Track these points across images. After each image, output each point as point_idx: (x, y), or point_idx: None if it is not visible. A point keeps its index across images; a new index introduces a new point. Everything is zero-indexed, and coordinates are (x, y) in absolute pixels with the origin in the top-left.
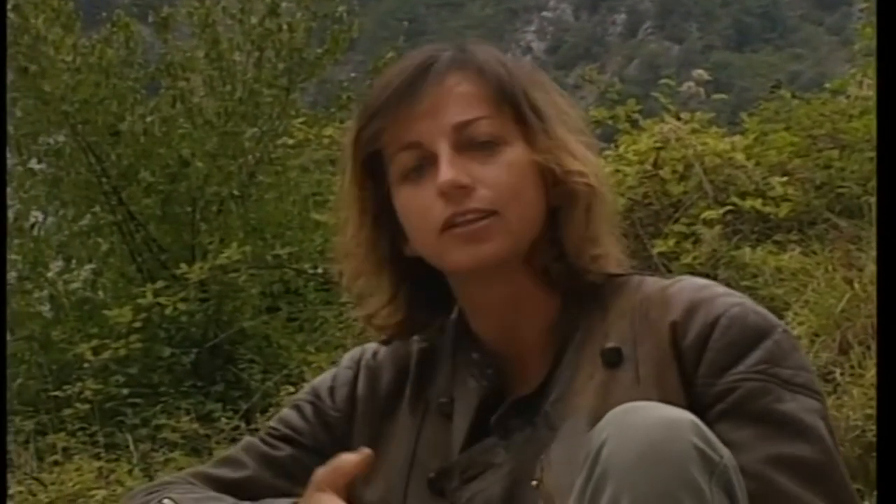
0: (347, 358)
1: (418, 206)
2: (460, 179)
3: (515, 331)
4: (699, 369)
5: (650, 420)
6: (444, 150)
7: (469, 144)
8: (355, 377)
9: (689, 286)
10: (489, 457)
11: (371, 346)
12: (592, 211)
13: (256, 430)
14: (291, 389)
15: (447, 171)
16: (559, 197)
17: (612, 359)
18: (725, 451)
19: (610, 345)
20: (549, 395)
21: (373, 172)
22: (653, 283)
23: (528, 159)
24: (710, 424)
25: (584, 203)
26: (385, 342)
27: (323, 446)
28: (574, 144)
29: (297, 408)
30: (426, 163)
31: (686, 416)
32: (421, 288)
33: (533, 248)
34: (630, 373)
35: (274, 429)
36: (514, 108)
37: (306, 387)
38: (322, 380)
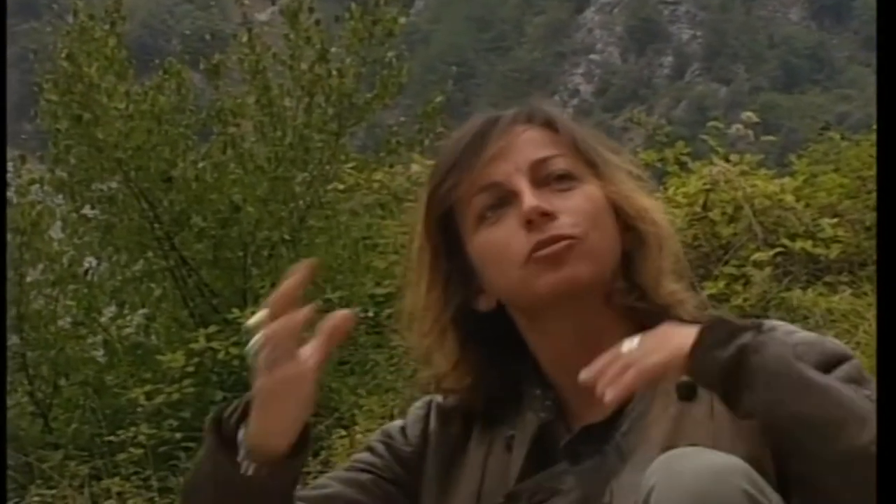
0: (419, 401)
1: (499, 242)
2: (544, 206)
3: (586, 365)
4: None
5: (699, 466)
6: (524, 184)
7: (545, 181)
8: (427, 415)
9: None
10: (557, 483)
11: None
12: (665, 250)
13: (308, 473)
14: (343, 433)
15: (531, 198)
16: (631, 238)
17: (687, 392)
18: (775, 497)
19: (684, 379)
20: (621, 425)
21: (446, 229)
22: None
23: (602, 195)
24: None
25: (656, 242)
26: (466, 403)
27: (399, 478)
28: (640, 190)
29: (370, 448)
30: (504, 202)
31: (735, 462)
32: (491, 351)
33: (610, 288)
34: (704, 406)
35: (350, 466)
36: (585, 153)
37: (377, 432)
38: (392, 423)
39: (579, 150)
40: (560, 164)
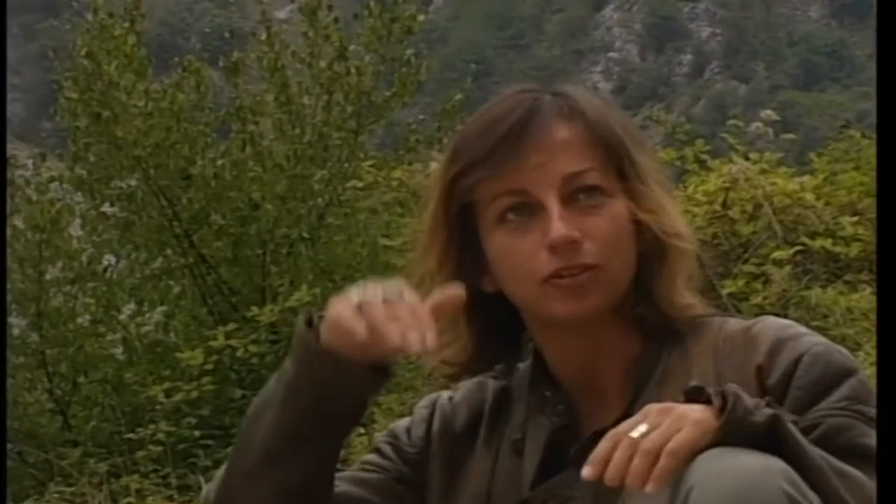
0: (423, 400)
1: (521, 254)
2: (572, 235)
3: (595, 370)
4: (783, 408)
5: (738, 467)
6: (553, 203)
7: (574, 195)
8: (431, 415)
9: (772, 326)
10: (568, 490)
11: (447, 392)
12: (685, 268)
13: None
14: (362, 431)
15: (559, 226)
16: (652, 248)
17: (696, 398)
18: (815, 498)
19: (693, 383)
20: None
21: (462, 217)
22: (735, 324)
23: (628, 213)
24: None
25: (679, 261)
26: (451, 378)
27: (406, 477)
28: (671, 204)
29: (377, 450)
30: (528, 209)
31: (775, 462)
32: (492, 325)
33: (624, 297)
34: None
35: (359, 467)
36: (617, 162)
37: (385, 431)
38: (399, 423)
39: (612, 157)
40: (591, 179)
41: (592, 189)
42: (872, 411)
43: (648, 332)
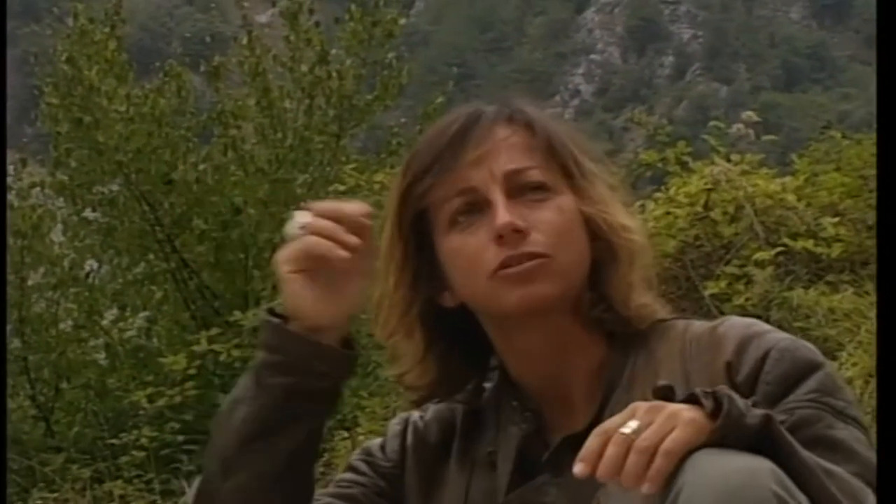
0: (396, 418)
1: (470, 251)
2: (517, 223)
3: (559, 374)
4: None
5: (729, 467)
6: (498, 196)
7: (520, 191)
8: (404, 430)
9: (737, 324)
10: (540, 496)
11: (417, 412)
12: (636, 264)
13: None
14: (345, 435)
15: (504, 214)
16: (602, 249)
17: (665, 396)
18: (803, 497)
19: (662, 383)
20: None
21: (417, 228)
22: (699, 325)
23: (575, 207)
24: None
25: (628, 256)
26: (415, 404)
27: (384, 492)
28: (615, 202)
29: (352, 468)
30: (477, 209)
31: (764, 463)
32: (455, 346)
33: (579, 299)
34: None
35: (336, 484)
36: (561, 161)
37: (358, 450)
38: (373, 441)
39: (556, 157)
40: (535, 176)
41: (537, 186)
42: (840, 403)
43: (611, 337)
